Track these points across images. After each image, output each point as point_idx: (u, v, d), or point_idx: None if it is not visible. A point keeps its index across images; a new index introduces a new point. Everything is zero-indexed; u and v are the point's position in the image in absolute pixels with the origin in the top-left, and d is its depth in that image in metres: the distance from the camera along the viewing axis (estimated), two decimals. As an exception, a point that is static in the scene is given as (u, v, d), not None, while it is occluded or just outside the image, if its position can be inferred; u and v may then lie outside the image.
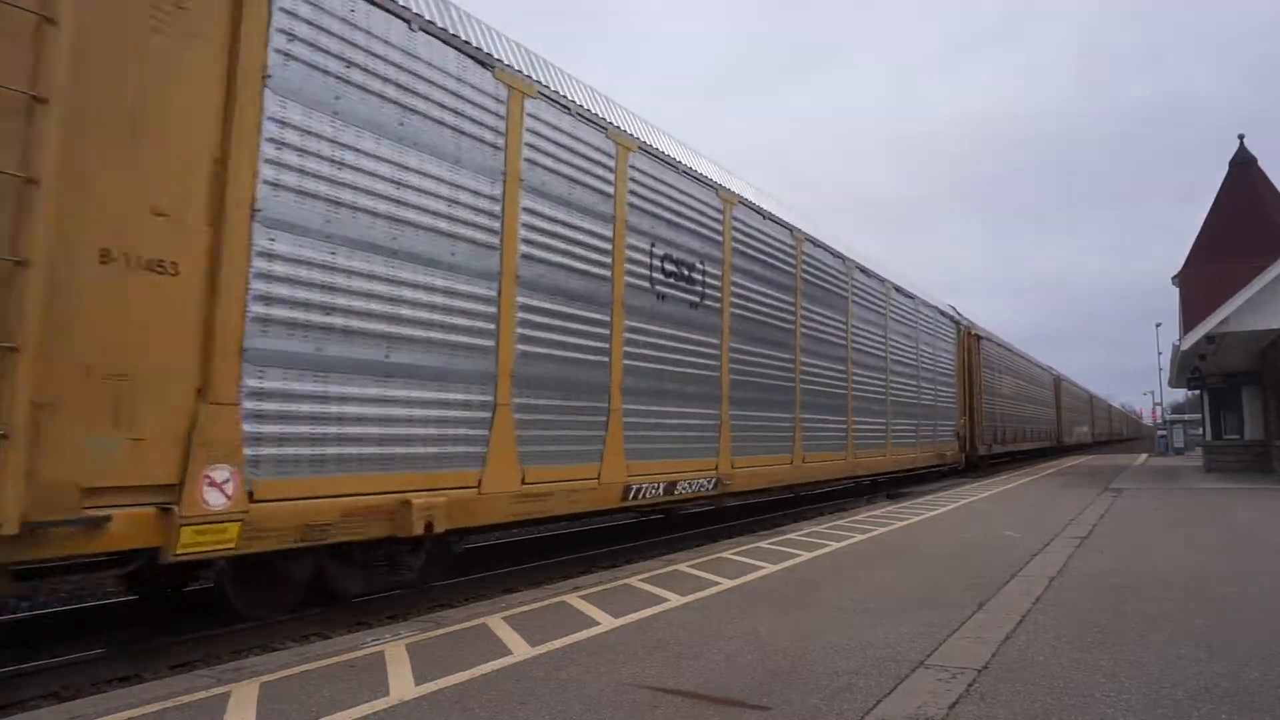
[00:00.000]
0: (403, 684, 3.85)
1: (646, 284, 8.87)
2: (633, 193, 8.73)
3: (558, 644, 4.56)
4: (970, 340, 23.87)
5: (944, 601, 5.61)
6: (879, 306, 16.50)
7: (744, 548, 8.32)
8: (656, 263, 9.07)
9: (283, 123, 5.29)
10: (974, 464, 23.95)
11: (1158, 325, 53.91)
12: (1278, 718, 3.33)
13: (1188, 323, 23.82)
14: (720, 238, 10.41)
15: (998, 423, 26.25)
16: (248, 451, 4.94)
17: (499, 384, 6.85)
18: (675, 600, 5.72)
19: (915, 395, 18.32)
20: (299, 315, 5.32)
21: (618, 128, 8.57)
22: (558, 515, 7.65)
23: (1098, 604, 5.51)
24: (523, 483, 7.01)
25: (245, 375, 4.96)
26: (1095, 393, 69.45)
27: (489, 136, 6.90)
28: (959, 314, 23.54)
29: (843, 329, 14.64)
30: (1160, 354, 49.54)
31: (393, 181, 6.02)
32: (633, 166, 8.73)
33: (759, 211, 11.54)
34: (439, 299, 6.36)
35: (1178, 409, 66.18)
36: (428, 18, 6.37)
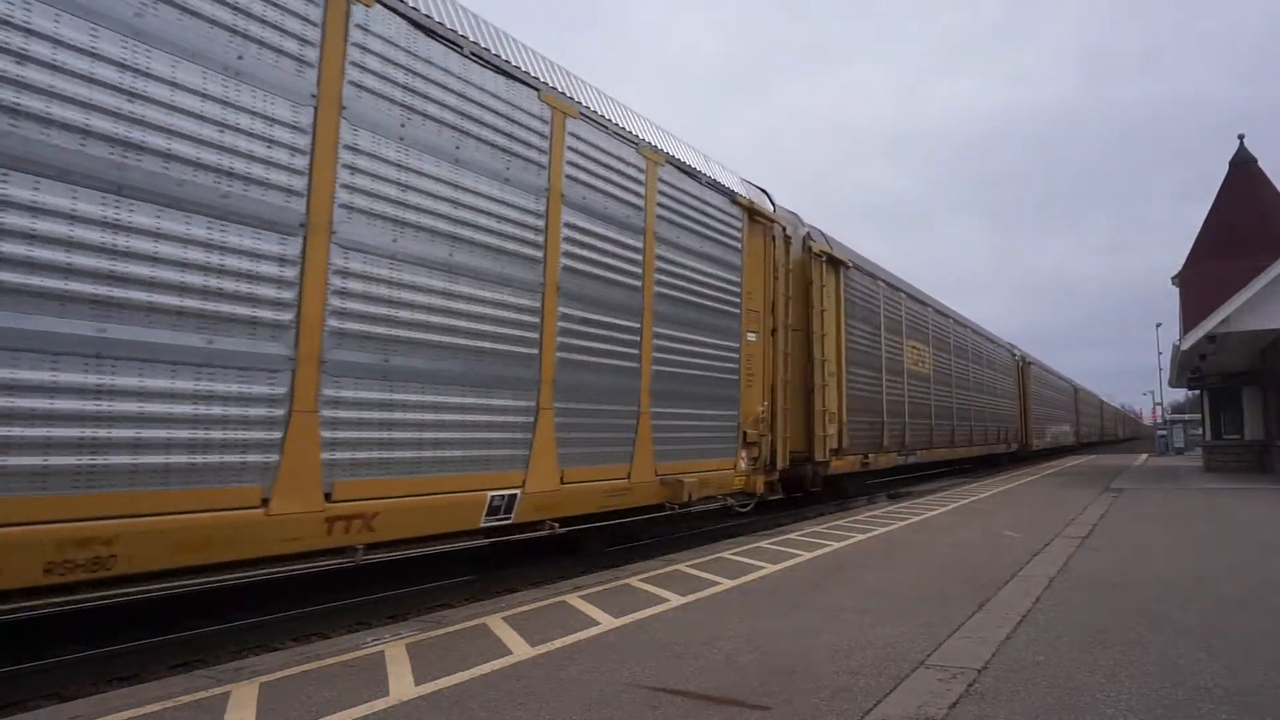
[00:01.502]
0: (402, 684, 3.85)
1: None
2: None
3: (558, 644, 4.56)
4: (809, 261, 12.95)
5: (944, 601, 5.61)
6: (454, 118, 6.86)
7: (744, 548, 8.32)
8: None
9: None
10: (822, 488, 13.30)
11: (1158, 325, 53.98)
12: (1278, 718, 3.33)
13: (1188, 323, 23.82)
14: None
15: (885, 416, 15.84)
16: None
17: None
18: (675, 600, 5.72)
19: (581, 348, 7.71)
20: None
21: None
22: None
23: (1098, 604, 5.51)
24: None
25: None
26: (1082, 384, 56.25)
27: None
28: (773, 202, 11.58)
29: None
30: (1160, 354, 49.60)
31: None
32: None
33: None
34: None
35: (1178, 409, 66.17)
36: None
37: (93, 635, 5.73)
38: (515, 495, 6.81)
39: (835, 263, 13.90)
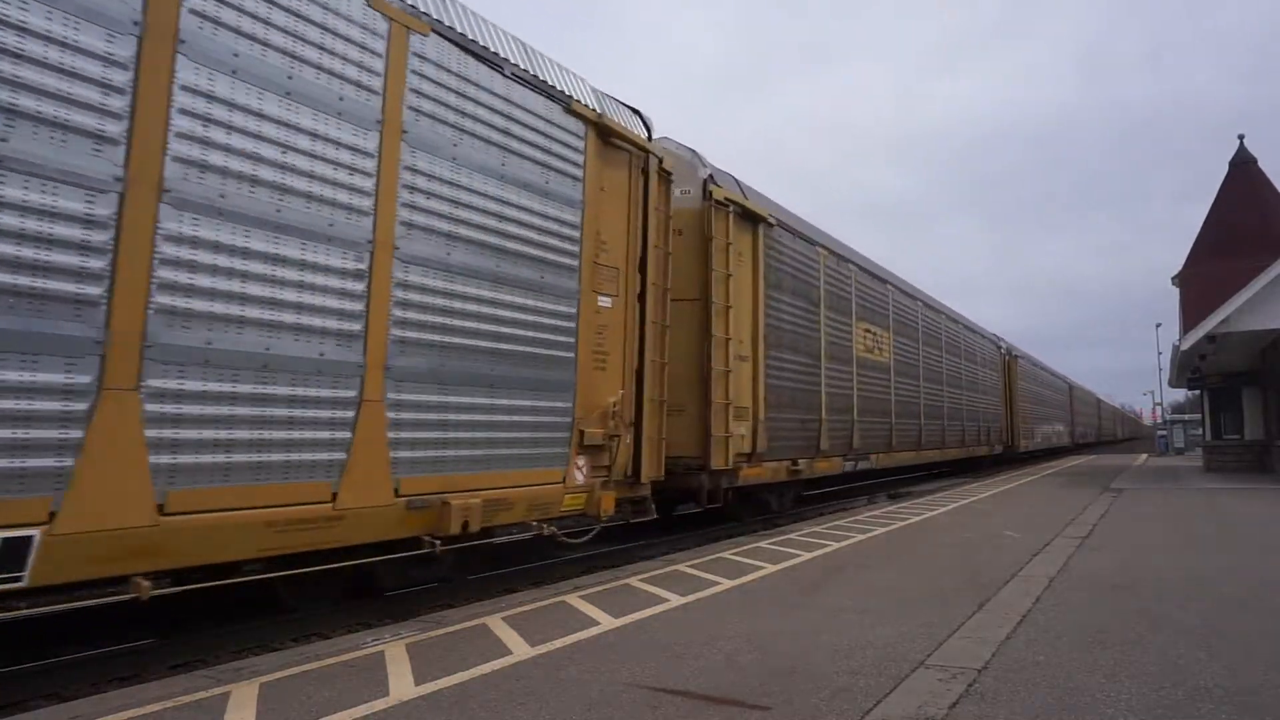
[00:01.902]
0: (402, 684, 3.85)
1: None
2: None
3: (558, 644, 4.56)
4: (709, 211, 10.30)
5: (944, 601, 5.61)
6: None
7: (744, 548, 8.32)
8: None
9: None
10: (732, 502, 10.88)
11: (1158, 325, 54.03)
12: (1277, 718, 3.33)
13: (1188, 323, 23.82)
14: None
15: (825, 413, 13.00)
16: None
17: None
18: (675, 600, 5.72)
19: (207, 292, 4.74)
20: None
21: None
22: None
23: (1098, 604, 5.51)
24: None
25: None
26: (1079, 382, 53.50)
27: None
28: (648, 128, 9.03)
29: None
30: (1160, 354, 49.60)
31: None
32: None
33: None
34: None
35: (1178, 409, 66.20)
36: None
37: (93, 635, 5.74)
38: (29, 539, 3.93)
39: (751, 217, 11.03)
